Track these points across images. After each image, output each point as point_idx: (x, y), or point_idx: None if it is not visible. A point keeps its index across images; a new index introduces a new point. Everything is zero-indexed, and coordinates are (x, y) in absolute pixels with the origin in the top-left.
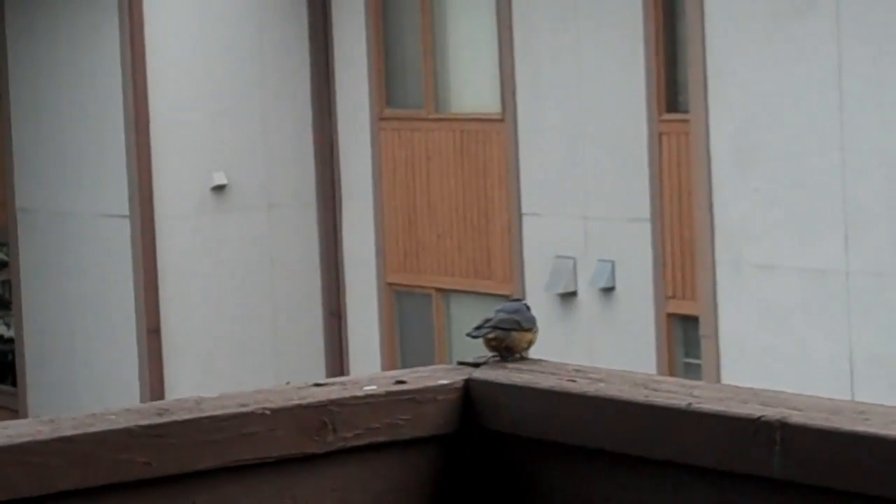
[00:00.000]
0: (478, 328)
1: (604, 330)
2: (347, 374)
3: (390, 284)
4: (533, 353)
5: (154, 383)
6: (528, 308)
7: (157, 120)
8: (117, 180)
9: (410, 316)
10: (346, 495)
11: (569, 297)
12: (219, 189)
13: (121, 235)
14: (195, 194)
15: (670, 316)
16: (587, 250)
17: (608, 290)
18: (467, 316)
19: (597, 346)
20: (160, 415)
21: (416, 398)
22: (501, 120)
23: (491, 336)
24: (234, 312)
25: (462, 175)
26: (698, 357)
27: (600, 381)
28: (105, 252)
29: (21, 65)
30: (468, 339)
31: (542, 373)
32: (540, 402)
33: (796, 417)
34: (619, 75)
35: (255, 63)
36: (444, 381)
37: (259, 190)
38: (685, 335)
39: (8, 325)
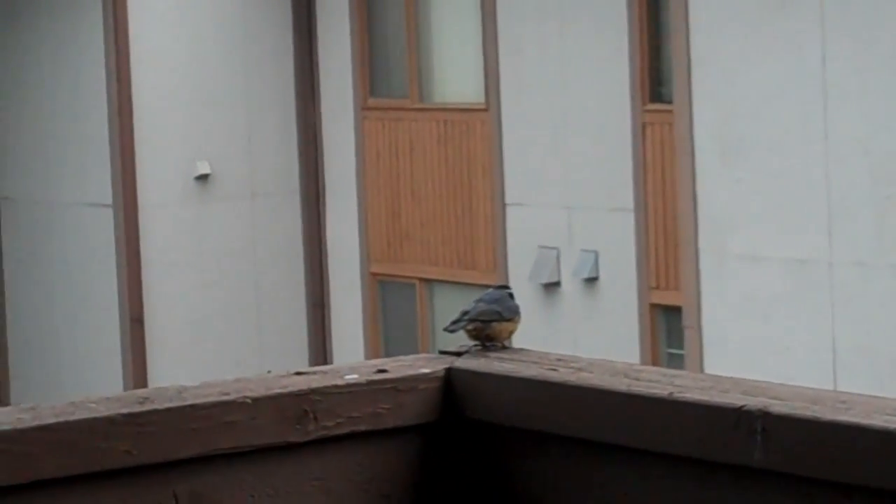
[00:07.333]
0: (455, 322)
1: (587, 320)
2: (331, 363)
3: (374, 274)
4: (516, 342)
5: (137, 372)
6: (511, 296)
7: (140, 109)
8: (101, 169)
9: (394, 306)
10: (326, 484)
11: (552, 287)
12: (202, 178)
13: (104, 225)
14: (179, 183)
15: (654, 306)
16: (571, 240)
17: (591, 281)
18: (451, 306)
19: (580, 337)
20: (141, 403)
21: (398, 387)
22: (485, 109)
23: (470, 327)
24: (218, 302)
25: (446, 165)
26: (681, 347)
27: (582, 370)
28: (88, 241)
29: (3, 54)
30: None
31: (524, 362)
32: (521, 391)
33: (777, 407)
34: (603, 65)
35: (239, 52)
36: (426, 370)
37: (243, 179)
38: (668, 325)
39: None
